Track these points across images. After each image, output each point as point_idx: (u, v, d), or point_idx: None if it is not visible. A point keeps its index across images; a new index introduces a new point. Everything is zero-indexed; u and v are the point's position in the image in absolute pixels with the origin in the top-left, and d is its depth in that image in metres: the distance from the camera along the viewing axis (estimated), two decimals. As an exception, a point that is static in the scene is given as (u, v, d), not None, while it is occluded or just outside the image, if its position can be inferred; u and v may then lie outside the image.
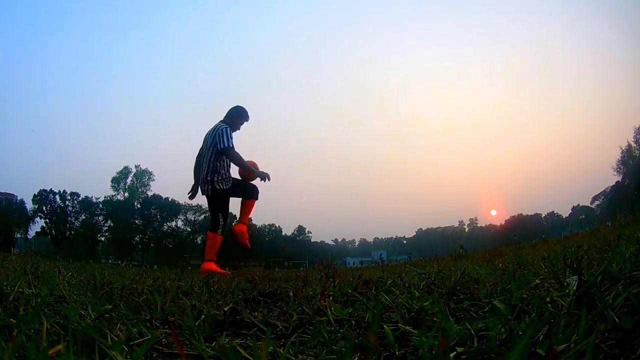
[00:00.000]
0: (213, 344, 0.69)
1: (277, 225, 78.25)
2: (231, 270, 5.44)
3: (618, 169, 50.51)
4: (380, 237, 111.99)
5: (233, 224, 4.96)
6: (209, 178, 4.24)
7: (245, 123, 4.59)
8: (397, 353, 0.61)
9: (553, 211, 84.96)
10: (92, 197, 56.41)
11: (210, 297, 1.20)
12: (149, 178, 58.25)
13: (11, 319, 0.75)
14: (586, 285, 0.75)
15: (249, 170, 4.40)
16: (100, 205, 56.46)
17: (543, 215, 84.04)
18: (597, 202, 62.74)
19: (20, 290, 1.09)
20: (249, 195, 4.55)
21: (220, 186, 4.26)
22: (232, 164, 4.36)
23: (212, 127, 4.41)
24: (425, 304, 0.85)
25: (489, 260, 2.96)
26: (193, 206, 57.68)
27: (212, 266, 4.17)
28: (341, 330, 0.77)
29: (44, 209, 53.32)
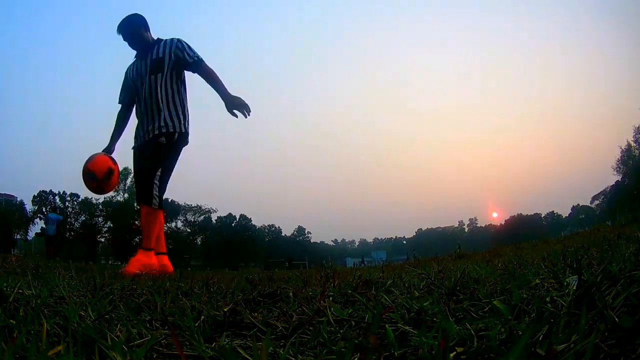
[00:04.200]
0: (213, 345, 0.69)
1: (277, 226, 78.35)
2: (231, 271, 5.27)
3: (618, 169, 50.58)
4: (380, 238, 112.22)
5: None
6: None
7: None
8: (397, 353, 0.60)
9: (553, 211, 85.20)
10: (91, 198, 56.42)
11: (210, 298, 1.20)
12: (149, 179, 58.00)
13: (11, 320, 0.75)
14: (586, 285, 0.75)
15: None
16: (100, 207, 56.49)
17: (543, 215, 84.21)
18: (597, 202, 62.83)
19: (20, 291, 1.09)
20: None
21: None
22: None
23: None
24: (425, 304, 0.85)
25: (488, 260, 2.95)
26: (193, 207, 57.66)
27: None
28: (341, 331, 0.77)
29: (44, 210, 53.33)
